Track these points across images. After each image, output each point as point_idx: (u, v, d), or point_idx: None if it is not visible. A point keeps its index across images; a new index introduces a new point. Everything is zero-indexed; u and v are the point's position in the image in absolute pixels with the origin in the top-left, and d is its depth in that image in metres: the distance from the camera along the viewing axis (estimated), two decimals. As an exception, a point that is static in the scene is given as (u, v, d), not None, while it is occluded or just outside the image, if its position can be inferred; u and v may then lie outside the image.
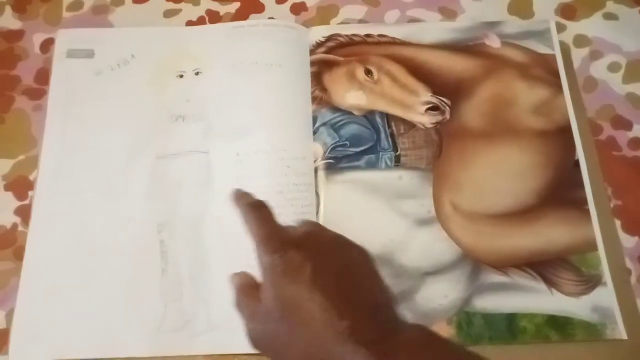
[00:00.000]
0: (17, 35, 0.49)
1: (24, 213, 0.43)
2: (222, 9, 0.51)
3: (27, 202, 0.43)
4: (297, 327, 0.28)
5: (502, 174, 0.43)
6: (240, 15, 0.50)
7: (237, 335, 0.38)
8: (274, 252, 0.30)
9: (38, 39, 0.49)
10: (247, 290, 0.32)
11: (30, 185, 0.43)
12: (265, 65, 0.46)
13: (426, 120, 0.45)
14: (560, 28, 0.49)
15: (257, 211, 0.33)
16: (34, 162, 0.44)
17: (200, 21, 0.50)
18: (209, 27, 0.50)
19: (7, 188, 0.44)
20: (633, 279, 0.41)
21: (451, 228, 0.41)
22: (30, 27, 0.50)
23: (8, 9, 0.50)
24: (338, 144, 0.44)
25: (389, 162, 0.43)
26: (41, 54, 0.49)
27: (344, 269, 0.30)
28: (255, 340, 0.31)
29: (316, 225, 0.34)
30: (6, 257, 0.42)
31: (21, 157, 0.45)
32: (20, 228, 0.42)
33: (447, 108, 0.45)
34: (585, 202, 0.42)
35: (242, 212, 0.34)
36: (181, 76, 0.47)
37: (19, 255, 0.41)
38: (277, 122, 0.45)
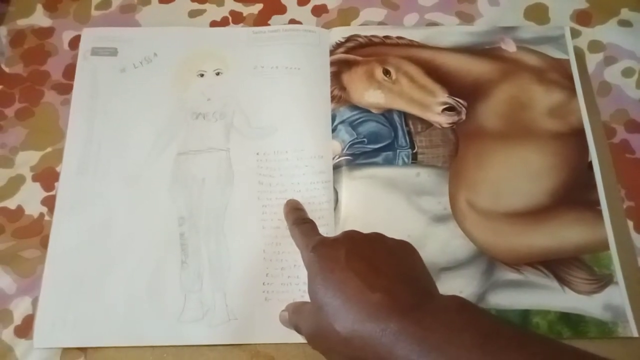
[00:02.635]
0: (48, 32, 0.51)
1: (51, 203, 0.44)
2: (245, 10, 0.52)
3: (53, 192, 0.44)
4: (338, 309, 0.28)
5: (517, 174, 0.44)
6: (263, 16, 0.51)
7: (254, 325, 0.40)
8: (312, 250, 0.32)
9: (67, 36, 0.51)
10: (298, 309, 0.34)
11: (57, 177, 0.45)
12: (284, 69, 0.47)
13: (442, 120, 0.46)
14: (575, 34, 0.50)
15: (301, 226, 0.37)
16: (61, 154, 0.45)
17: (224, 21, 0.51)
18: (230, 29, 0.51)
19: (35, 179, 0.45)
20: (645, 279, 0.41)
21: (466, 225, 0.42)
22: (60, 25, 0.51)
23: (39, 7, 0.52)
24: (356, 140, 0.45)
25: (405, 159, 0.44)
26: (70, 50, 0.50)
27: (378, 252, 0.31)
28: (313, 340, 0.31)
29: (355, 230, 0.35)
30: (33, 245, 0.43)
31: (49, 149, 0.46)
32: (47, 217, 0.44)
33: (463, 109, 0.46)
34: (598, 202, 0.43)
35: (289, 227, 0.38)
36: (202, 75, 0.48)
37: (45, 244, 0.42)
38: (296, 122, 0.46)
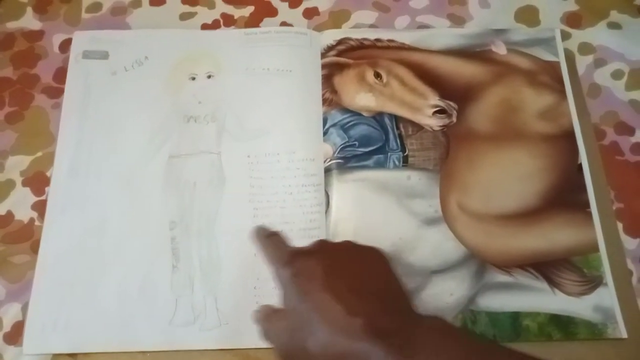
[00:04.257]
0: (37, 35, 0.51)
1: (41, 208, 0.44)
2: (237, 12, 0.52)
3: (43, 197, 0.44)
4: (316, 327, 0.28)
5: (508, 177, 0.44)
6: (254, 19, 0.51)
7: (246, 330, 0.39)
8: (286, 265, 0.31)
9: (57, 39, 0.50)
10: (269, 317, 0.32)
11: (48, 181, 0.44)
12: (276, 71, 0.47)
13: (433, 122, 0.46)
14: (565, 36, 0.50)
15: (271, 239, 0.35)
16: (51, 159, 0.45)
17: (215, 24, 0.51)
18: (221, 32, 0.51)
19: (25, 183, 0.45)
20: (634, 280, 0.42)
21: (457, 228, 0.42)
22: (50, 28, 0.51)
23: (29, 10, 0.52)
24: (347, 144, 0.45)
25: (396, 162, 0.44)
26: (60, 54, 0.50)
27: (355, 269, 0.30)
28: (285, 358, 0.31)
29: (325, 240, 0.35)
30: (23, 251, 0.43)
31: (39, 153, 0.46)
32: (37, 222, 0.43)
33: (454, 111, 0.46)
34: (588, 204, 0.43)
35: (259, 245, 0.35)
36: (193, 78, 0.48)
37: (35, 249, 0.42)
38: (288, 125, 0.46)
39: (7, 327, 0.40)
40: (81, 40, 0.49)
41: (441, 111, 0.46)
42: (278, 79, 0.47)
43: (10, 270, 0.42)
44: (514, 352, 0.28)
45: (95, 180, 0.44)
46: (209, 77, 0.48)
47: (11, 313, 0.41)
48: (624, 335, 0.39)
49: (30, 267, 0.42)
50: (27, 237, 0.43)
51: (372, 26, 0.51)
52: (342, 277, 0.29)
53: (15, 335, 0.40)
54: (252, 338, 0.39)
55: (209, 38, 0.50)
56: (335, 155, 0.44)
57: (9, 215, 0.44)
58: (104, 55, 0.48)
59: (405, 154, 0.44)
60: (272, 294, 0.40)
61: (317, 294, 0.28)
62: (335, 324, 0.27)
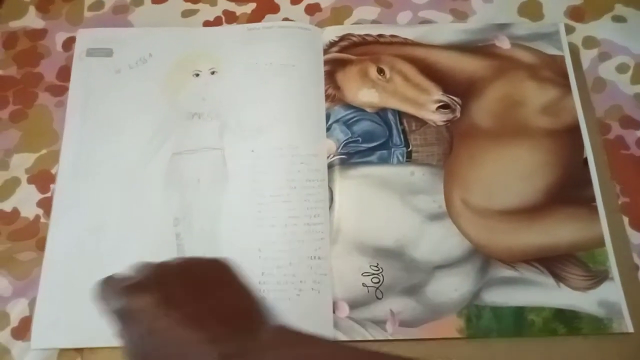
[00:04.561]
0: (40, 33, 0.51)
1: (46, 205, 0.44)
2: (238, 10, 0.52)
3: (49, 194, 0.44)
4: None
5: (512, 172, 0.44)
6: (256, 16, 0.51)
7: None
8: (122, 303, 0.30)
9: (60, 37, 0.51)
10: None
11: (52, 178, 0.45)
12: (279, 66, 0.47)
13: (437, 117, 0.46)
14: (569, 30, 0.50)
15: (105, 288, 0.33)
16: (56, 156, 0.45)
17: (217, 21, 0.51)
18: (224, 28, 0.51)
19: (30, 181, 0.45)
20: (640, 274, 0.41)
21: (461, 223, 0.42)
22: (53, 26, 0.51)
23: (32, 9, 0.52)
24: (350, 139, 0.45)
25: (400, 158, 0.44)
26: (63, 52, 0.50)
27: (197, 292, 0.30)
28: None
29: (162, 265, 0.33)
30: (29, 248, 0.43)
31: (43, 151, 0.46)
32: (43, 220, 0.44)
33: (458, 106, 0.46)
34: (593, 199, 0.43)
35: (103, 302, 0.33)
36: (197, 75, 0.48)
37: (40, 246, 0.42)
38: (291, 120, 0.46)
39: (14, 322, 0.41)
40: (85, 38, 0.49)
41: (445, 106, 0.46)
42: (281, 74, 0.47)
43: (17, 267, 0.42)
44: (361, 351, 0.29)
45: (100, 178, 0.44)
46: (213, 73, 0.48)
47: (18, 309, 0.41)
48: (630, 329, 0.39)
49: (37, 263, 0.42)
50: (33, 234, 0.43)
51: (374, 22, 0.51)
52: (181, 306, 0.29)
53: (22, 330, 0.40)
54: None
55: (213, 34, 0.50)
56: (338, 151, 0.44)
57: (15, 212, 0.44)
58: (108, 53, 0.48)
59: (408, 150, 0.44)
60: (276, 289, 0.41)
61: (159, 321, 0.28)
62: (181, 345, 0.27)
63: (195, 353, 0.27)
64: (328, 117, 0.46)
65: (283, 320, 0.31)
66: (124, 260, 0.41)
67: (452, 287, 0.40)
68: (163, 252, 0.41)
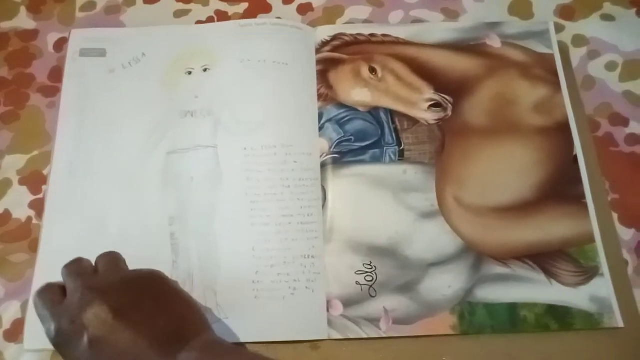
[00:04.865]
0: (32, 34, 0.51)
1: (38, 206, 0.44)
2: (231, 9, 0.52)
3: (40, 195, 0.44)
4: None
5: (503, 170, 0.44)
6: (248, 16, 0.51)
7: (245, 324, 0.40)
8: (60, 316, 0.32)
9: (52, 38, 0.50)
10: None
11: (44, 180, 0.45)
12: (272, 63, 0.47)
13: (429, 116, 0.46)
14: (559, 28, 0.50)
15: (42, 295, 0.34)
16: (48, 157, 0.45)
17: (209, 21, 0.51)
18: (217, 25, 0.51)
19: (22, 182, 0.45)
20: (630, 270, 0.42)
21: (454, 221, 0.42)
22: (44, 27, 0.51)
23: (23, 10, 0.52)
24: (343, 138, 0.45)
25: (392, 156, 0.44)
26: (55, 53, 0.50)
27: (138, 297, 0.32)
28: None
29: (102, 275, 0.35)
30: (21, 249, 0.43)
31: (35, 152, 0.46)
32: (35, 221, 0.44)
33: (449, 105, 0.46)
34: (583, 196, 0.43)
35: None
36: (189, 72, 0.48)
37: (33, 248, 0.42)
38: (284, 118, 0.46)
39: (7, 324, 0.41)
40: (78, 38, 0.49)
41: (436, 105, 0.46)
42: (274, 72, 0.47)
43: (9, 269, 0.42)
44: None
45: (94, 178, 0.44)
46: (205, 70, 0.48)
47: (11, 311, 0.41)
48: (621, 324, 0.40)
49: (29, 265, 0.42)
50: (25, 236, 0.43)
51: (366, 21, 0.51)
52: (127, 315, 0.31)
53: (15, 332, 0.40)
54: (252, 332, 0.40)
55: (205, 31, 0.50)
56: (331, 150, 0.44)
57: (6, 214, 0.44)
58: (102, 53, 0.48)
59: (401, 148, 0.45)
60: (270, 288, 0.41)
61: (106, 340, 0.30)
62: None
63: (147, 355, 0.30)
64: (321, 116, 0.46)
65: (217, 332, 0.35)
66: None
67: (446, 284, 0.41)
68: (159, 251, 0.42)
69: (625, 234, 0.43)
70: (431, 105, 0.46)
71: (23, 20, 0.51)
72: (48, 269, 0.41)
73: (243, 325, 0.40)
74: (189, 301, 0.35)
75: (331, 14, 0.51)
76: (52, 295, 0.34)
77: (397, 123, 0.45)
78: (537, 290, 0.41)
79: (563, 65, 0.48)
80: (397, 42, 0.49)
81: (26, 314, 0.40)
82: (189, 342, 0.31)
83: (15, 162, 0.46)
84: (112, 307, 0.31)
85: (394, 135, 0.45)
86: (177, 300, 0.34)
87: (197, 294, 0.41)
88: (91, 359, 0.30)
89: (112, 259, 0.36)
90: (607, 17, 0.51)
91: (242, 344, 0.39)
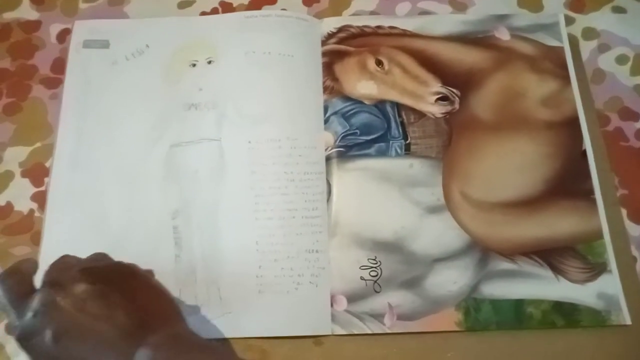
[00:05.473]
0: (34, 25, 0.50)
1: (40, 199, 0.44)
2: (235, 1, 0.51)
3: (42, 188, 0.44)
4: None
5: (511, 164, 0.44)
6: (253, 7, 0.51)
7: (248, 319, 0.40)
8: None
9: (54, 29, 0.50)
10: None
11: (46, 172, 0.44)
12: (277, 55, 0.47)
13: (436, 109, 0.45)
14: (569, 21, 0.50)
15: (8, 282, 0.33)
16: (50, 150, 0.45)
17: (214, 12, 0.51)
18: (221, 17, 0.50)
19: (24, 174, 0.45)
20: (638, 267, 0.41)
21: (460, 216, 0.42)
22: (47, 18, 0.50)
23: (25, 0, 0.51)
24: (348, 132, 0.44)
25: (398, 150, 0.44)
26: (57, 44, 0.49)
27: (119, 287, 0.33)
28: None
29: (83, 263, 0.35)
30: (23, 242, 0.42)
31: (37, 145, 0.46)
32: (37, 214, 0.43)
33: (457, 98, 0.46)
34: (592, 191, 0.43)
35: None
36: (193, 65, 0.47)
37: (35, 240, 0.42)
38: (288, 111, 0.45)
39: (8, 318, 0.41)
40: (82, 29, 0.48)
41: (443, 98, 0.46)
42: (279, 64, 0.47)
43: (11, 261, 0.41)
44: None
45: (97, 170, 0.44)
46: (210, 62, 0.47)
47: (13, 304, 0.41)
48: (628, 321, 0.39)
49: (31, 258, 0.42)
50: (27, 229, 0.43)
51: (372, 13, 0.50)
52: (108, 304, 0.31)
53: (16, 326, 0.40)
54: (255, 327, 0.39)
55: (209, 22, 0.49)
56: (336, 143, 0.44)
57: (9, 206, 0.44)
58: (105, 45, 0.48)
59: (407, 142, 0.44)
60: (273, 282, 0.40)
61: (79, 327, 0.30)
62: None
63: (114, 346, 0.30)
64: (326, 109, 0.45)
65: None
66: (122, 254, 0.41)
67: (451, 280, 0.40)
68: (162, 245, 0.42)
69: (634, 230, 0.43)
70: (438, 99, 0.45)
71: (26, 11, 0.51)
72: (50, 261, 0.41)
73: (246, 319, 0.40)
74: (158, 292, 0.35)
75: (337, 6, 0.51)
76: (18, 286, 0.33)
77: (404, 116, 0.45)
78: (543, 286, 0.40)
79: (573, 59, 0.47)
80: (404, 34, 0.48)
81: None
82: (156, 332, 0.31)
83: (18, 154, 0.45)
84: (74, 300, 0.31)
85: (400, 128, 0.44)
86: (145, 292, 0.34)
87: (200, 288, 0.40)
88: (56, 353, 0.30)
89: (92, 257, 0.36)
90: (618, 10, 0.51)
91: (245, 339, 0.39)
